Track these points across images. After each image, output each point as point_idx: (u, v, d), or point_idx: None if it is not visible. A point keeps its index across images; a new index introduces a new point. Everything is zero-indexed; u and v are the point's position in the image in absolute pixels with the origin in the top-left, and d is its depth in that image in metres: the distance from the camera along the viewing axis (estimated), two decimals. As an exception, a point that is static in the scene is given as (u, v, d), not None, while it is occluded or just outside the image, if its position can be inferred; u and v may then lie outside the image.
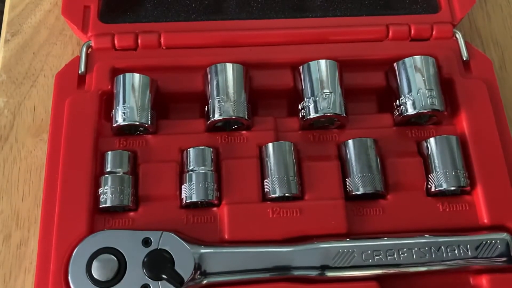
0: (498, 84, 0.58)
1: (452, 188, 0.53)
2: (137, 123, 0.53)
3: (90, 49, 0.58)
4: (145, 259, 0.48)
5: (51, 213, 0.51)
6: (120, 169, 0.52)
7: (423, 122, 0.57)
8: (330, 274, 0.49)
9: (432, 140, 0.54)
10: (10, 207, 0.56)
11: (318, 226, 0.51)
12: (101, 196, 0.51)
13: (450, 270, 0.50)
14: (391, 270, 0.49)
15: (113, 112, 0.54)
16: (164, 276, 0.47)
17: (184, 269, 0.48)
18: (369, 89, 0.59)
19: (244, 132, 0.56)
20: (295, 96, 0.57)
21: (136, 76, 0.54)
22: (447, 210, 0.53)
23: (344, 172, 0.54)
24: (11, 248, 0.54)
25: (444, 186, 0.52)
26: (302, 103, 0.55)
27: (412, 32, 0.60)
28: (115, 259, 0.48)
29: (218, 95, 0.54)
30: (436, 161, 0.53)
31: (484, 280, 0.50)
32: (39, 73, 0.62)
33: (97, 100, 0.55)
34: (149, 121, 0.53)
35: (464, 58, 0.59)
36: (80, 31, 0.58)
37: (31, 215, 0.55)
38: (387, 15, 0.61)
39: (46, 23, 0.65)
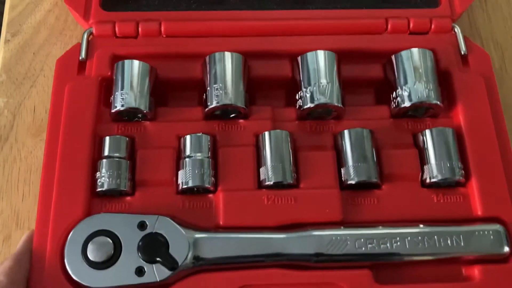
0: (498, 84, 0.58)
1: (447, 180, 0.53)
2: (136, 109, 0.54)
3: (91, 36, 0.59)
4: (140, 242, 0.48)
5: (48, 196, 0.51)
6: (117, 154, 0.53)
7: (420, 114, 0.57)
8: (323, 261, 0.49)
9: (427, 132, 0.55)
10: (10, 207, 0.56)
11: (312, 214, 0.51)
12: (98, 180, 0.52)
13: (443, 260, 0.51)
14: (384, 259, 0.50)
15: (112, 98, 0.55)
16: (158, 259, 0.48)
17: (179, 253, 0.48)
18: (367, 81, 0.60)
19: (241, 120, 0.56)
20: (293, 86, 0.57)
21: (136, 62, 0.55)
22: (442, 201, 0.53)
23: (340, 162, 0.54)
24: (11, 248, 0.54)
25: (439, 177, 0.53)
26: (299, 92, 0.56)
27: (411, 25, 0.60)
28: (111, 241, 0.48)
29: (216, 83, 0.55)
30: (431, 153, 0.54)
31: (476, 270, 0.50)
32: (39, 73, 0.62)
33: (97, 86, 0.56)
34: (148, 108, 0.54)
35: (462, 52, 0.59)
36: (81, 18, 0.59)
37: (31, 216, 0.56)
38: (387, 8, 0.61)
39: (46, 23, 0.65)
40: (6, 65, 0.62)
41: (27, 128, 0.60)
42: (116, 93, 0.54)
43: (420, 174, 0.54)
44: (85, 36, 0.58)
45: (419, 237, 0.50)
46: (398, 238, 0.50)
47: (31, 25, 0.65)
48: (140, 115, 0.55)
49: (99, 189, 0.51)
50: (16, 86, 0.62)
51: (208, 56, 0.56)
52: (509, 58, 0.65)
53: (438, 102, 0.55)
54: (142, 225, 0.49)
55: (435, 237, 0.50)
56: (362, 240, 0.50)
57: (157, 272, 0.48)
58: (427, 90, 0.55)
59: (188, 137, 0.54)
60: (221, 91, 0.54)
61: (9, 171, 0.58)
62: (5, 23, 0.65)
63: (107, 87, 0.57)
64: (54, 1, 0.66)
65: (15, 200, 0.56)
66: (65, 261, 0.48)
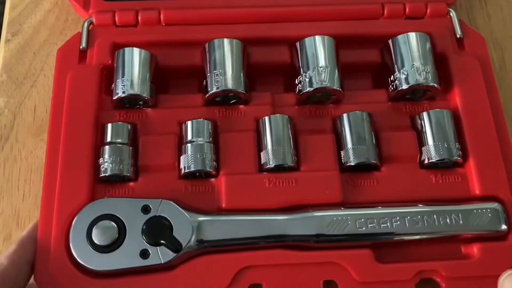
0: (498, 84, 0.58)
1: (445, 160, 0.54)
2: (137, 95, 0.54)
3: (91, 26, 0.59)
4: (144, 226, 0.49)
5: (52, 182, 0.52)
6: (120, 140, 0.53)
7: (417, 97, 0.58)
8: (325, 241, 0.50)
9: (425, 114, 0.55)
10: (10, 207, 0.56)
11: (313, 196, 0.52)
12: (102, 165, 0.52)
13: (442, 239, 0.51)
14: (384, 238, 0.51)
15: (113, 85, 0.55)
16: (162, 241, 0.49)
17: (182, 235, 0.49)
18: (365, 66, 0.61)
19: (241, 106, 0.57)
20: (292, 73, 0.58)
21: (136, 50, 0.56)
22: (440, 181, 0.54)
23: (339, 145, 0.55)
24: (11, 248, 0.55)
25: (437, 158, 0.53)
26: (298, 77, 0.56)
27: (407, 10, 0.61)
28: (115, 225, 0.49)
29: (215, 69, 0.55)
30: (429, 134, 0.55)
31: (475, 248, 0.51)
32: (40, 73, 0.63)
33: (98, 75, 0.56)
34: (149, 94, 0.55)
35: (458, 36, 0.60)
36: (81, 8, 0.60)
37: (31, 215, 0.56)
38: (382, -7, 0.62)
39: (46, 23, 0.65)
40: (6, 65, 0.63)
41: (28, 128, 0.60)
42: (118, 80, 0.55)
43: (419, 155, 0.55)
44: (85, 25, 0.58)
45: (419, 216, 0.51)
46: (398, 218, 0.51)
47: (31, 25, 0.65)
48: (141, 102, 0.56)
49: (102, 175, 0.52)
50: (16, 86, 0.62)
51: (207, 43, 0.57)
52: (509, 58, 0.65)
53: (435, 85, 0.56)
54: (145, 209, 0.50)
55: (434, 216, 0.51)
56: (362, 220, 0.50)
57: (161, 254, 0.48)
58: (424, 72, 0.55)
59: (189, 123, 0.54)
60: (221, 77, 0.55)
61: (10, 171, 0.58)
62: (6, 23, 0.65)
63: (108, 75, 0.57)
64: (54, 1, 0.66)
65: (15, 200, 0.57)
66: (71, 245, 0.49)
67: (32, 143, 0.59)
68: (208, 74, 0.56)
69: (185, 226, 0.49)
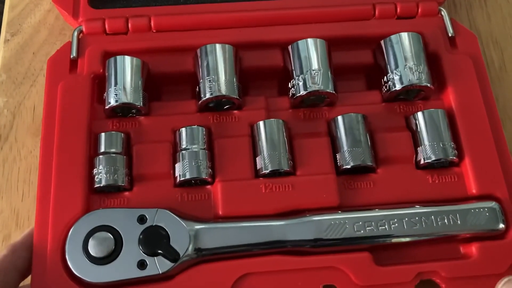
0: (497, 84, 0.58)
1: (441, 160, 0.53)
2: (130, 104, 0.54)
3: (81, 34, 0.59)
4: (141, 236, 0.49)
5: (46, 194, 0.51)
6: (113, 149, 0.53)
7: (411, 97, 0.58)
8: (323, 246, 0.50)
9: (419, 114, 0.55)
10: (9, 207, 0.56)
11: (310, 200, 0.52)
12: (96, 176, 0.52)
13: (440, 239, 0.51)
14: (383, 241, 0.50)
15: (105, 94, 0.55)
16: (160, 251, 0.48)
17: (180, 244, 0.49)
18: (358, 67, 0.60)
19: (235, 111, 0.56)
20: (285, 76, 0.58)
21: (128, 58, 0.55)
22: (437, 182, 0.54)
23: (335, 148, 0.55)
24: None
25: (433, 158, 0.53)
26: (292, 81, 0.56)
27: (398, 10, 0.60)
28: (111, 236, 0.49)
29: (208, 75, 0.55)
30: (424, 135, 0.54)
31: (473, 248, 0.51)
32: (39, 73, 0.62)
33: (89, 84, 0.56)
34: (141, 102, 0.54)
35: (450, 35, 0.60)
36: (70, 17, 0.59)
37: (31, 215, 0.56)
38: (373, -7, 0.62)
39: (46, 23, 0.65)
40: (6, 65, 0.63)
41: (27, 127, 0.60)
42: (110, 89, 0.54)
43: (414, 156, 0.55)
44: (75, 34, 0.58)
45: (416, 218, 0.51)
46: (395, 220, 0.50)
47: (31, 25, 0.65)
48: (134, 111, 0.55)
49: (97, 185, 0.52)
50: (16, 85, 0.62)
51: (199, 49, 0.57)
52: (508, 58, 0.65)
53: (429, 84, 0.55)
54: (142, 219, 0.50)
55: (432, 216, 0.51)
56: (360, 223, 0.50)
57: (159, 264, 0.48)
58: (417, 73, 0.55)
59: (183, 130, 0.54)
60: (214, 83, 0.54)
61: (9, 170, 0.58)
62: (5, 23, 0.65)
63: (99, 84, 0.57)
64: (53, 0, 0.66)
65: (15, 200, 0.57)
66: (67, 258, 0.48)
67: (31, 143, 0.59)
68: (201, 80, 0.55)
69: (182, 235, 0.49)
